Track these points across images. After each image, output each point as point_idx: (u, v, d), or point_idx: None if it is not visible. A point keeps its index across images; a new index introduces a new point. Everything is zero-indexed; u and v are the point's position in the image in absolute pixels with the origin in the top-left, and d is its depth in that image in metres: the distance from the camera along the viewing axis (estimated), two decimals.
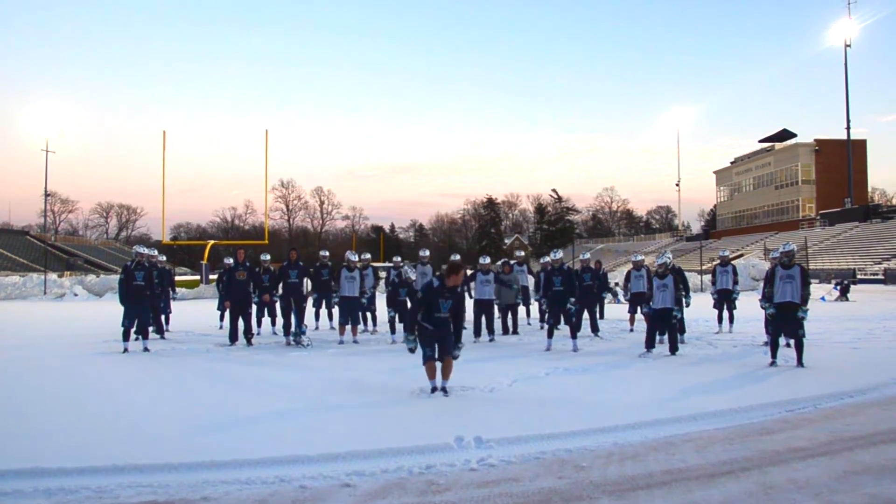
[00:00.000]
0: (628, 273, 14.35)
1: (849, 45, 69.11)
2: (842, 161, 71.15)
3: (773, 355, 9.47)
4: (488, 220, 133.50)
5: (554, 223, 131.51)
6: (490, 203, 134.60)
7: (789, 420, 6.36)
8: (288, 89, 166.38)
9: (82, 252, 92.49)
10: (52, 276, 35.80)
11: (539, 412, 6.59)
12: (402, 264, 14.09)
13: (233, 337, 12.21)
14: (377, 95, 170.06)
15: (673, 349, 10.62)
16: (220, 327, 15.06)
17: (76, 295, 30.61)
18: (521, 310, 15.30)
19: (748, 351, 11.09)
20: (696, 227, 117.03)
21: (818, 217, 71.98)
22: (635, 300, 13.51)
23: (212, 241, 54.25)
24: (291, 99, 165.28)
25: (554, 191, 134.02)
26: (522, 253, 16.94)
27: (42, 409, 6.94)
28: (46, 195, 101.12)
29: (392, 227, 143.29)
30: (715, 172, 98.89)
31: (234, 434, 5.80)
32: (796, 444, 5.46)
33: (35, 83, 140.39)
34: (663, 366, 9.67)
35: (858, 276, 43.30)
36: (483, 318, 13.19)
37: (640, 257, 13.87)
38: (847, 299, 24.93)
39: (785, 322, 9.45)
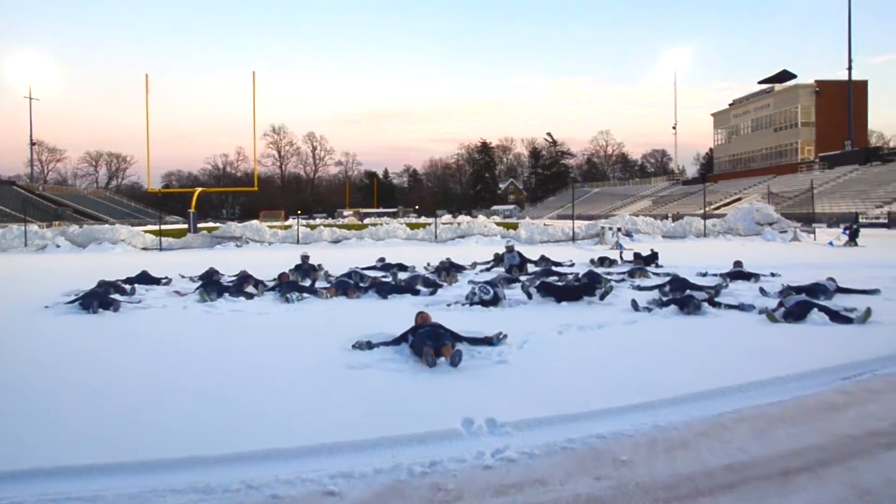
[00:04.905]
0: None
1: None
2: (842, 103, 69.68)
3: None
4: (483, 165, 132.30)
5: (549, 167, 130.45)
6: (484, 147, 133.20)
7: (850, 391, 5.42)
8: (277, 35, 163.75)
9: (72, 202, 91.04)
10: (33, 226, 34.58)
11: (559, 384, 5.64)
12: None
13: None
14: (368, 40, 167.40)
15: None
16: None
17: (58, 246, 29.41)
18: None
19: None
20: (692, 171, 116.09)
21: (817, 160, 70.77)
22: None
23: (199, 189, 52.95)
24: (281, 44, 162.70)
25: (549, 134, 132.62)
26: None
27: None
28: (32, 144, 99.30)
29: (385, 172, 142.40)
30: (713, 115, 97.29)
31: (192, 422, 4.86)
32: (872, 425, 4.55)
33: (15, 26, 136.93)
34: (681, 323, 8.70)
35: (861, 220, 42.41)
36: None
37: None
38: (856, 244, 24.00)
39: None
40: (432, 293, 11.68)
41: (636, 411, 4.88)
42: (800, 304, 8.83)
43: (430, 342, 6.60)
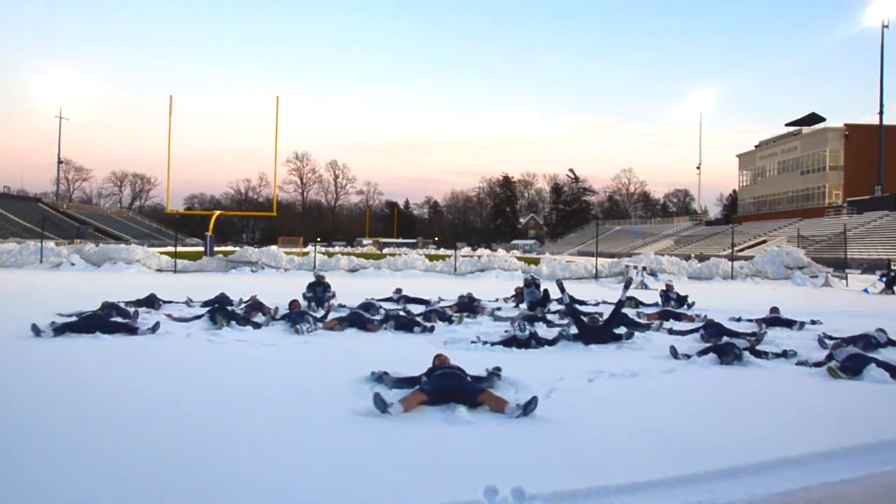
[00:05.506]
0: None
1: (886, 26, 66.15)
2: (872, 147, 68.38)
3: None
4: (504, 199, 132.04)
5: (570, 203, 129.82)
6: (506, 181, 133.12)
7: None
8: (304, 63, 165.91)
9: (94, 221, 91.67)
10: (50, 243, 34.40)
11: (594, 444, 4.91)
12: None
13: None
14: (392, 70, 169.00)
15: None
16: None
17: (73, 264, 29.17)
18: None
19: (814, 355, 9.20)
20: (714, 212, 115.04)
21: (845, 204, 69.36)
22: None
23: (218, 212, 52.76)
24: (307, 72, 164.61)
25: (571, 171, 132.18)
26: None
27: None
28: (59, 162, 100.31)
29: (406, 203, 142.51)
30: (738, 156, 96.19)
31: (154, 480, 4.18)
32: None
33: (48, 48, 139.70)
34: (723, 374, 7.92)
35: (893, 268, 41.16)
36: None
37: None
38: (893, 292, 23.07)
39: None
40: (430, 330, 10.97)
41: (687, 484, 4.14)
42: (854, 357, 8.01)
43: (449, 384, 5.99)
